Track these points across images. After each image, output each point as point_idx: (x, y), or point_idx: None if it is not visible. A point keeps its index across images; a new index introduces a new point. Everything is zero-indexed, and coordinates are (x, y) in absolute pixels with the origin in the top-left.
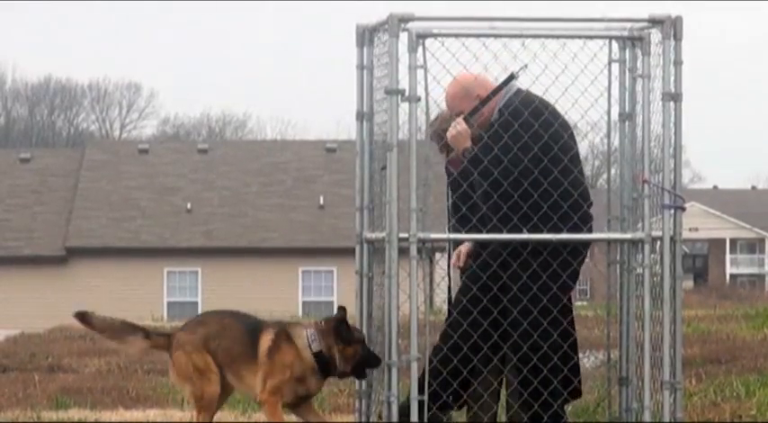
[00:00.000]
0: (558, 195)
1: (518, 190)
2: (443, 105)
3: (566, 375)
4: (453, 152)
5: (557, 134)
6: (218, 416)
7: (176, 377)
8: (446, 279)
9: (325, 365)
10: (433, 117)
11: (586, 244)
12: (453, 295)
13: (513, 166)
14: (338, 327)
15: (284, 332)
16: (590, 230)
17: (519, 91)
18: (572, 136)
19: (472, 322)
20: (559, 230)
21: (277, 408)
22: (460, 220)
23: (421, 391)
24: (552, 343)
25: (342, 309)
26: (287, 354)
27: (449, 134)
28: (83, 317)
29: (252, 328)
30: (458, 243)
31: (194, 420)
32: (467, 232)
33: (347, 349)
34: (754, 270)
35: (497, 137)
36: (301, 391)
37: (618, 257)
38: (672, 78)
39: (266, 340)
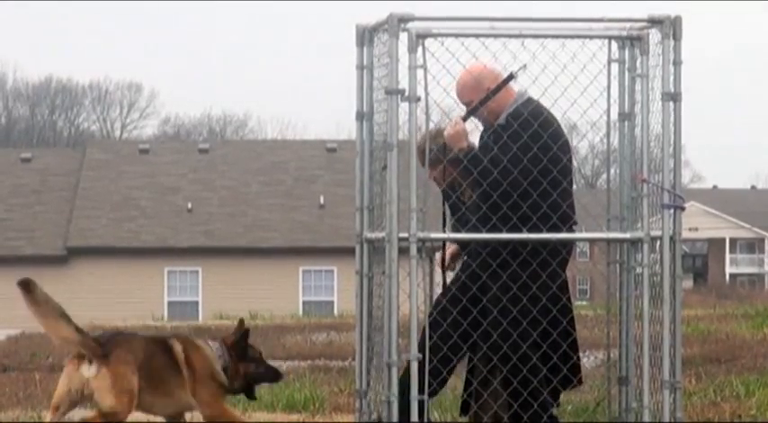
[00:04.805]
0: (548, 206)
1: (509, 199)
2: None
3: (564, 373)
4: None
5: (557, 153)
6: None
7: (111, 388)
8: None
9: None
10: (424, 128)
11: (569, 250)
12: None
13: (510, 174)
14: (240, 342)
15: (191, 342)
16: (571, 248)
17: (530, 100)
18: (570, 159)
19: (453, 322)
20: (546, 242)
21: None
22: (454, 225)
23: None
24: (532, 344)
25: (242, 322)
26: (205, 363)
27: (446, 133)
28: (26, 285)
29: (159, 341)
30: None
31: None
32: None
33: (238, 366)
34: (753, 270)
35: (501, 142)
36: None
37: (617, 257)
38: (671, 78)
39: (179, 351)
